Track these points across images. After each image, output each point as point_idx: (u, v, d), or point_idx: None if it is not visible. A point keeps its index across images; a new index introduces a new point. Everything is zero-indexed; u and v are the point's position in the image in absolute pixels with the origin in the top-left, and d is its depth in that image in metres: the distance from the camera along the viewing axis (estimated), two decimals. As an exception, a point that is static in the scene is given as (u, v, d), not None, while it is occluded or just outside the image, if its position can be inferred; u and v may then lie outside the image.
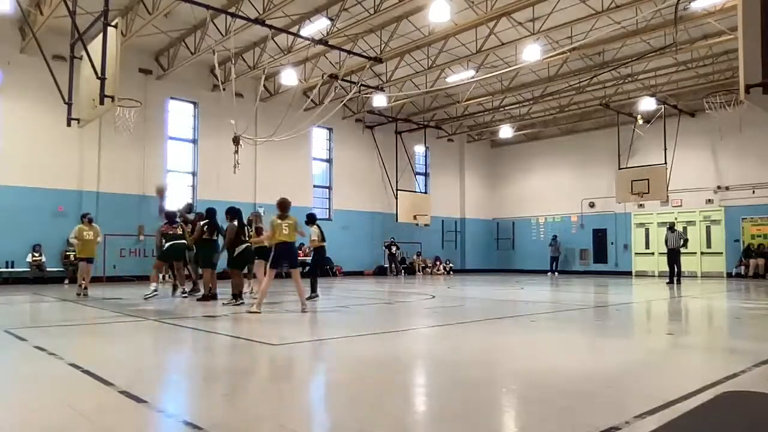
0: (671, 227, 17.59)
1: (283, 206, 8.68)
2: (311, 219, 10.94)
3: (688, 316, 9.34)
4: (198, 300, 10.24)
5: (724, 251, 21.97)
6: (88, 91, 9.60)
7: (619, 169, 22.34)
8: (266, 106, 20.17)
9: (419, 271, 25.34)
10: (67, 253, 16.47)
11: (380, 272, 24.19)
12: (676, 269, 16.89)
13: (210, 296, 10.15)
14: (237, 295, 9.53)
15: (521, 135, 27.37)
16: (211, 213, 10.51)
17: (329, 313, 8.98)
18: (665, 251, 17.68)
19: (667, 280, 17.17)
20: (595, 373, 4.31)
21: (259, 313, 8.03)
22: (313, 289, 10.56)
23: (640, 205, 22.98)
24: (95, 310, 8.80)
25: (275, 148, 19.99)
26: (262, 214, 12.04)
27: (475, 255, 28.75)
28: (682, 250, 17.41)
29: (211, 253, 10.52)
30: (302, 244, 15.75)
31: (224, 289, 10.48)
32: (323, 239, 10.99)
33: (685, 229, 21.84)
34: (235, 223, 9.80)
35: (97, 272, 16.87)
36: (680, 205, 23.05)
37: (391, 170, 24.74)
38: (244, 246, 9.81)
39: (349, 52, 16.75)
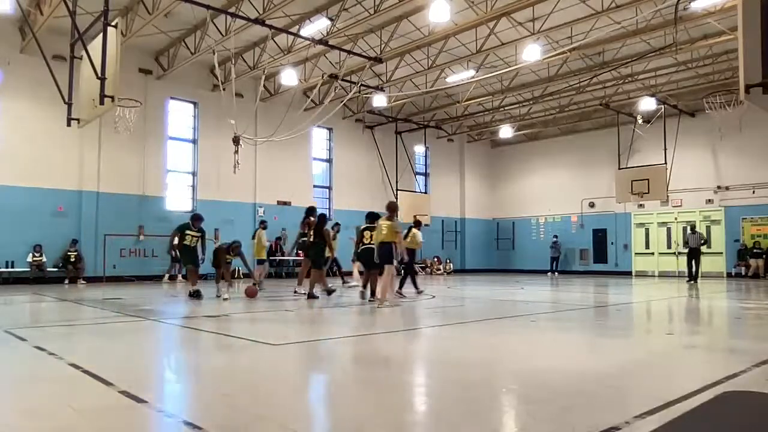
0: (692, 228, 18.42)
1: (391, 209, 9.65)
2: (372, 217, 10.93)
3: (688, 316, 9.35)
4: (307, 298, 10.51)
5: (724, 251, 21.97)
6: (88, 91, 9.61)
7: (619, 169, 22.35)
8: (266, 106, 20.18)
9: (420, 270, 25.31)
10: (68, 253, 16.47)
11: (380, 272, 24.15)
12: (694, 267, 17.51)
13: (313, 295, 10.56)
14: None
15: (521, 135, 27.36)
16: (322, 218, 11.39)
17: (329, 313, 8.98)
18: (685, 251, 18.31)
19: (687, 278, 17.74)
20: (596, 373, 4.31)
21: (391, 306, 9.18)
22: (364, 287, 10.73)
23: (640, 205, 22.99)
24: (95, 310, 8.80)
25: (275, 148, 19.99)
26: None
27: (475, 255, 28.75)
28: (703, 249, 18.21)
29: (320, 255, 10.93)
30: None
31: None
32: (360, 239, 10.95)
33: (685, 228, 21.92)
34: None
35: (96, 272, 16.94)
36: (680, 205, 23.06)
37: (391, 170, 24.74)
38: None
39: (349, 52, 16.75)
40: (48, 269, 16.12)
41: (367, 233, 10.58)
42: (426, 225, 24.89)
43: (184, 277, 17.23)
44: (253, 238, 14.24)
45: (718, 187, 22.21)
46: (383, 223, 9.49)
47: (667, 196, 21.34)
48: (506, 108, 23.86)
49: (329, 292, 11.22)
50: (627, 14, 15.02)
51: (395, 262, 9.46)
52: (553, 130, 27.05)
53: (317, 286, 10.90)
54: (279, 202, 21.50)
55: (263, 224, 14.43)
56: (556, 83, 20.49)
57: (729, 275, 21.48)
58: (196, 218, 11.15)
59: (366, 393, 3.75)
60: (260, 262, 14.16)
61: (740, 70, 3.57)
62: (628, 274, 24.20)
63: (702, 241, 17.91)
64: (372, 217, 10.75)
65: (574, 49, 16.71)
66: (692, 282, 17.17)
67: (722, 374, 4.03)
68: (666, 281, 19.68)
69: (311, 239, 11.06)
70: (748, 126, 19.36)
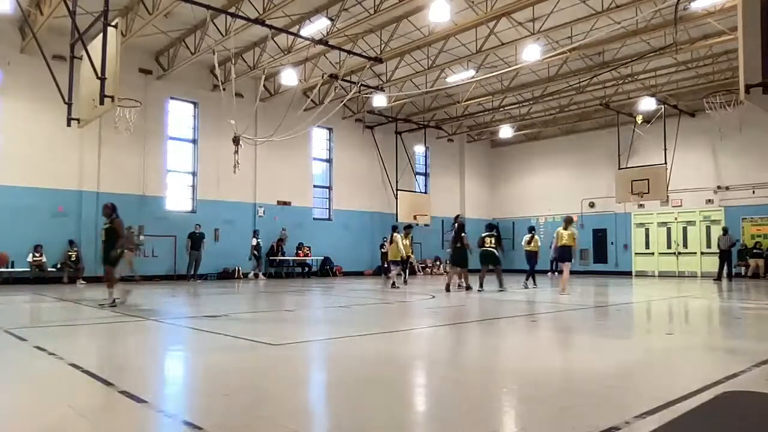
0: (725, 230, 19.58)
1: (568, 221, 12.83)
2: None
3: (687, 315, 9.35)
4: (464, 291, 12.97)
5: (724, 251, 21.95)
6: (88, 91, 9.60)
7: (619, 169, 22.34)
8: (266, 106, 20.17)
9: (419, 270, 25.29)
10: (69, 253, 16.47)
11: (381, 272, 24.18)
12: (726, 268, 18.95)
13: (467, 288, 13.32)
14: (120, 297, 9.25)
15: (521, 135, 27.36)
16: (461, 225, 13.93)
17: (329, 313, 8.98)
18: (717, 251, 19.64)
19: (714, 278, 19.27)
20: (595, 373, 4.31)
21: (569, 294, 11.80)
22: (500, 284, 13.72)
23: (640, 205, 22.98)
24: (95, 310, 8.80)
25: (275, 148, 19.99)
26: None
27: (475, 255, 28.68)
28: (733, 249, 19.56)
29: (465, 256, 13.80)
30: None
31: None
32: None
33: (685, 228, 22.00)
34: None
35: (96, 272, 16.92)
36: (680, 205, 23.05)
37: (391, 170, 24.73)
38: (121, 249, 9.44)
39: (349, 52, 16.75)
40: (48, 269, 16.12)
41: (488, 239, 13.95)
42: (426, 225, 25.00)
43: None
44: (391, 242, 15.28)
45: (718, 187, 22.20)
46: (564, 232, 12.57)
47: (667, 196, 21.33)
48: (506, 108, 23.85)
49: (468, 287, 13.48)
50: (627, 14, 15.02)
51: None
52: (553, 130, 27.04)
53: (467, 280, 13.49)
54: (279, 202, 21.51)
55: (396, 229, 15.60)
56: (556, 83, 20.48)
57: (729, 275, 21.45)
58: None
59: (365, 393, 3.75)
60: (395, 263, 15.54)
61: (740, 70, 3.57)
62: (628, 274, 24.19)
63: (732, 244, 19.14)
64: (491, 227, 14.42)
65: (574, 49, 16.71)
66: (719, 281, 18.41)
67: (722, 374, 4.03)
68: (666, 281, 19.69)
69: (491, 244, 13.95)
70: (748, 126, 19.35)
